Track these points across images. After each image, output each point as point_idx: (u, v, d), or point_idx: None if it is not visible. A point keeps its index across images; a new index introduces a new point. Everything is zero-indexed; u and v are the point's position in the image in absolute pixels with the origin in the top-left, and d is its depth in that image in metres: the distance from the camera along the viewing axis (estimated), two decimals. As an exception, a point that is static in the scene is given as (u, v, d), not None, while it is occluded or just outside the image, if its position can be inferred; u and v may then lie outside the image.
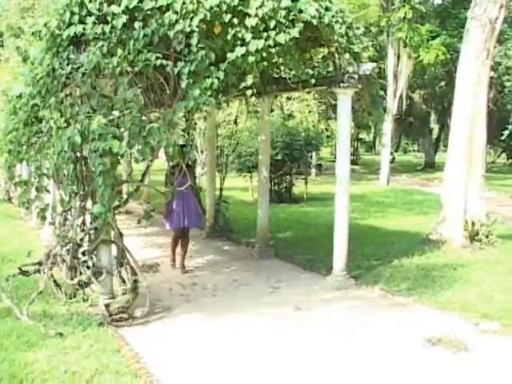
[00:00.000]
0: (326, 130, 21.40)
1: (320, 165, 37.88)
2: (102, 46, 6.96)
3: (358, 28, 9.03)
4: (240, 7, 7.22)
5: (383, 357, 6.54)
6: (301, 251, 11.94)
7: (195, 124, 13.28)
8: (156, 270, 10.47)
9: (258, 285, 9.62)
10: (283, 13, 7.44)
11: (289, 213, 18.26)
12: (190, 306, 8.41)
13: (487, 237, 12.14)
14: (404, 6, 30.67)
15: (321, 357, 6.52)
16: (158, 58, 6.92)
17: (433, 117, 52.83)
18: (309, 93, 20.72)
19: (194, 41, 7.04)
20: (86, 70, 7.03)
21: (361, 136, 60.18)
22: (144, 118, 7.10)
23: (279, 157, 19.86)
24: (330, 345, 6.88)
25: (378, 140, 56.88)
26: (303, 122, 24.71)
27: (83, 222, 7.88)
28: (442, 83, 44.04)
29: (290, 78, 10.38)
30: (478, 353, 6.66)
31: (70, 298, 7.95)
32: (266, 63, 7.40)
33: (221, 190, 14.26)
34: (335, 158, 9.60)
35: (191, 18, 7.03)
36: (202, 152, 24.69)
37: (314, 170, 33.66)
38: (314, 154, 28.30)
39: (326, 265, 10.24)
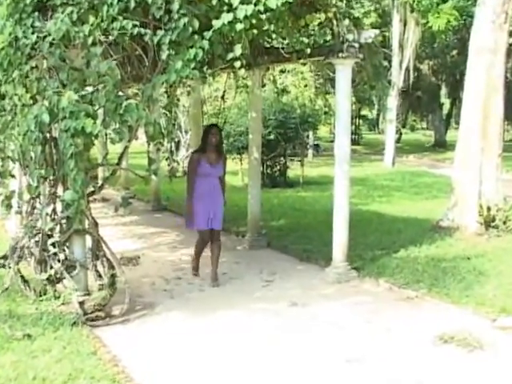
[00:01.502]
0: (325, 106, 21.24)
1: (317, 145, 38.13)
2: (72, 12, 6.87)
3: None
4: (226, -33, 7.09)
5: (389, 356, 6.56)
6: (296, 241, 11.98)
7: (178, 100, 13.23)
8: (136, 263, 10.50)
9: (249, 278, 9.66)
10: (274, -27, 7.29)
11: (283, 198, 18.32)
12: (174, 303, 8.43)
13: (505, 223, 12.13)
14: (411, -37, 30.56)
15: (320, 357, 6.52)
16: (135, 25, 6.83)
17: (443, 90, 52.83)
18: (304, 64, 20.56)
19: (175, 6, 6.94)
20: (53, 39, 6.93)
21: (363, 113, 60.05)
22: (120, 93, 7.01)
23: (272, 136, 19.94)
24: (331, 343, 6.90)
25: (381, 117, 56.79)
26: (298, 97, 24.65)
27: (53, 211, 7.84)
28: (454, 52, 43.83)
29: (283, 48, 10.33)
30: (495, 351, 6.64)
31: (40, 296, 7.89)
32: (255, 31, 7.27)
33: None
34: (334, 137, 9.61)
35: (171, -20, 6.91)
36: (186, 132, 24.80)
37: (310, 151, 33.86)
38: (310, 133, 28.33)
39: (324, 255, 10.29)
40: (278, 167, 22.01)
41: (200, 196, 9.17)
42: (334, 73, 9.69)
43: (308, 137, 28.12)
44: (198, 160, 9.21)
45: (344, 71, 9.27)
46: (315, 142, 35.95)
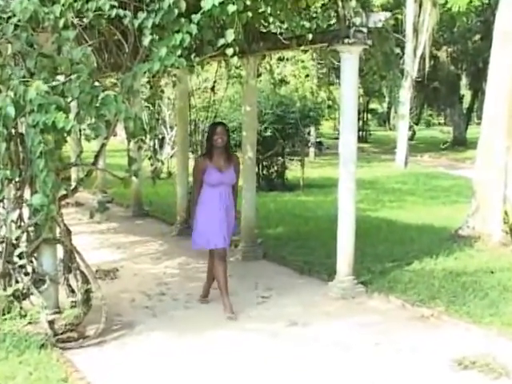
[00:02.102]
0: (328, 98, 21.10)
1: (320, 143, 37.95)
2: (41, -10, 6.77)
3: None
4: None
5: (400, 383, 6.55)
6: (296, 251, 11.97)
7: (162, 92, 13.14)
8: (114, 277, 10.51)
9: (242, 294, 9.65)
10: None
11: (281, 203, 18.34)
12: (156, 322, 8.43)
13: (533, 232, 11.98)
14: None
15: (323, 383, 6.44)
16: (113, 6, 6.74)
17: (464, 81, 52.77)
18: (305, 52, 20.38)
19: (158, -16, 6.85)
20: (19, 20, 6.82)
21: (371, 106, 59.95)
22: (96, 84, 7.00)
23: (269, 133, 19.94)
24: (335, 368, 6.88)
25: (393, 111, 56.49)
26: (299, 88, 24.51)
27: (20, 217, 7.79)
28: (477, 37, 43.39)
29: (281, 33, 10.27)
30: (524, 379, 6.58)
31: (3, 314, 7.76)
32: (250, 14, 7.22)
33: None
34: (339, 134, 9.64)
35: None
36: (171, 128, 24.86)
37: (312, 150, 33.70)
38: (312, 129, 28.30)
39: (327, 268, 10.33)
40: (276, 168, 21.95)
41: (210, 209, 8.72)
42: (338, 61, 9.70)
43: (309, 133, 27.89)
44: (204, 166, 8.77)
45: (350, 59, 9.23)
46: (317, 140, 35.62)
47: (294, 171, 22.54)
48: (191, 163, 13.30)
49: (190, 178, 12.90)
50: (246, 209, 11.85)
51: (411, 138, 40.39)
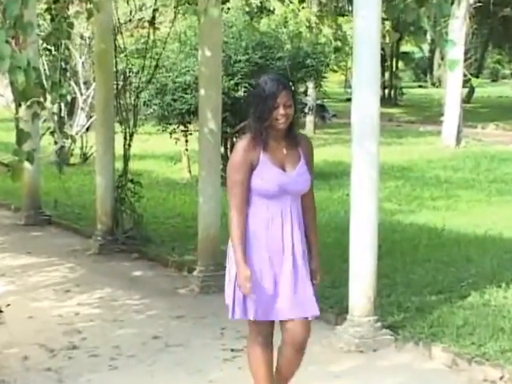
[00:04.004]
0: (335, 38, 17.83)
1: (323, 107, 34.85)
2: None
3: None
4: None
5: None
6: None
7: (71, 27, 11.40)
8: (-2, 321, 9.38)
9: (200, 345, 8.37)
10: None
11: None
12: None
13: None
14: None
15: None
16: None
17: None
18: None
19: None
20: None
21: (404, 49, 54.14)
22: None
23: (241, 92, 17.03)
24: None
25: (438, 56, 45.38)
26: (289, 21, 20.95)
27: None
28: None
29: None
30: None
31: None
32: None
33: (126, 159, 12.41)
34: (352, 93, 8.29)
35: None
36: (86, 84, 22.13)
37: (311, 119, 31.04)
38: (311, 86, 25.95)
39: (334, 304, 9.11)
40: None
41: (265, 245, 5.89)
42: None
43: (306, 93, 25.39)
44: (252, 161, 5.83)
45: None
46: (319, 103, 32.43)
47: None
48: (119, 140, 12.42)
49: (119, 164, 12.53)
50: (205, 212, 10.41)
51: (467, 100, 35.32)
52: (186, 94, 16.91)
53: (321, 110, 33.15)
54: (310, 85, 25.08)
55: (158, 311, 9.54)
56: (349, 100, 13.85)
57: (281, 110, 5.63)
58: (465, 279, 10.05)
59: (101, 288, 10.63)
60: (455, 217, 14.67)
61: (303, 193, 5.90)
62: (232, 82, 16.51)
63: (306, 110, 24.89)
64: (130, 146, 12.49)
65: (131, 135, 12.49)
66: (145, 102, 16.41)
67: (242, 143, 5.87)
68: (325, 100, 35.22)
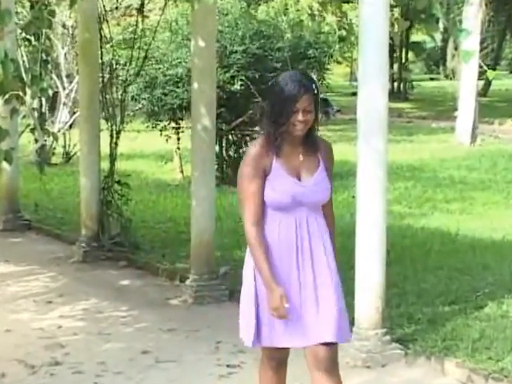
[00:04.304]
0: (339, 26, 17.28)
1: (327, 102, 34.22)
2: None
3: None
4: None
5: None
6: None
7: (52, 15, 11.07)
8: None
9: (194, 361, 8.09)
10: None
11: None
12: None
13: None
14: None
15: None
16: None
17: None
18: None
19: None
20: None
21: (415, 38, 52.87)
22: None
23: (238, 86, 16.36)
24: None
25: (451, 46, 42.51)
26: (289, 8, 21.09)
27: None
28: None
29: None
30: None
31: None
32: None
33: (112, 159, 11.99)
34: (358, 86, 8.03)
35: None
36: (68, 78, 21.76)
37: None
38: (313, 77, 24.97)
39: None
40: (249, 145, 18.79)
41: (280, 264, 5.38)
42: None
43: None
44: (265, 168, 5.34)
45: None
46: (322, 97, 31.06)
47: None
48: (105, 138, 12.00)
49: (105, 164, 12.23)
50: (198, 216, 10.02)
51: (484, 93, 34.63)
52: (178, 87, 16.35)
53: (324, 104, 32.42)
54: (313, 77, 24.47)
55: (147, 324, 9.30)
56: (354, 94, 13.37)
57: (299, 116, 5.11)
58: (481, 288, 9.77)
59: (85, 299, 10.38)
60: (470, 220, 14.38)
61: (323, 203, 5.43)
62: (227, 74, 15.90)
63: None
64: (116, 144, 12.06)
65: (118, 133, 12.08)
66: (133, 96, 15.89)
67: (253, 149, 5.38)
68: (328, 94, 34.50)
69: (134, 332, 8.96)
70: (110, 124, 12.32)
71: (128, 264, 11.73)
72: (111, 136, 12.07)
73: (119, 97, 12.94)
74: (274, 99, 5.27)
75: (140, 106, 16.97)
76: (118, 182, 12.11)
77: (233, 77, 16.15)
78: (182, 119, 17.38)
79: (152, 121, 17.80)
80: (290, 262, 5.26)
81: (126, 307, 9.79)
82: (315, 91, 5.26)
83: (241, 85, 16.19)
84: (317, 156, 5.38)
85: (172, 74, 16.60)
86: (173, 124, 17.88)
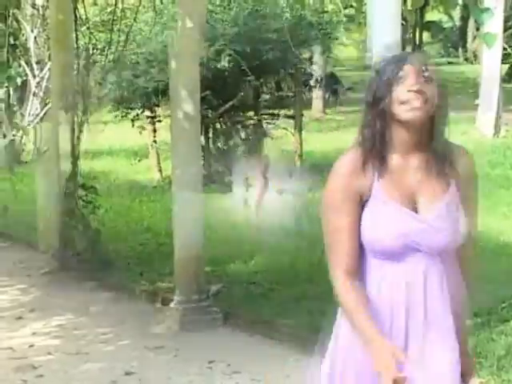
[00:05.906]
0: (346, 6, 16.27)
1: (334, 77, 30.87)
2: None
3: None
4: None
5: None
6: (289, 307, 9.44)
7: None
8: None
9: (183, 383, 7.81)
10: None
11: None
12: None
13: None
14: None
15: None
16: None
17: None
18: None
19: None
20: None
21: (431, 17, 50.01)
22: None
23: (224, 62, 14.43)
24: None
25: (472, 27, 42.08)
26: None
27: None
28: None
29: None
30: None
31: None
32: None
33: (74, 158, 10.85)
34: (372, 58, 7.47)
35: None
36: (39, 64, 19.99)
37: (319, 94, 28.17)
38: (317, 51, 23.30)
39: None
40: (244, 136, 16.72)
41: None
42: None
43: (312, 61, 23.08)
44: (361, 190, 3.74)
45: None
46: (329, 72, 29.21)
47: (282, 142, 17.60)
48: (70, 131, 10.98)
49: (69, 163, 11.26)
50: (182, 223, 9.15)
51: (508, 79, 32.26)
52: (152, 67, 14.62)
53: (332, 81, 29.32)
54: (317, 50, 22.38)
55: (130, 341, 8.83)
56: (368, 68, 11.85)
57: (408, 84, 3.49)
58: (507, 299, 9.23)
59: (60, 314, 9.87)
60: (494, 222, 13.16)
61: (454, 248, 3.74)
62: (212, 48, 13.87)
63: (313, 83, 22.21)
64: (79, 139, 10.99)
65: (80, 125, 11.03)
66: (110, 87, 14.41)
67: (343, 161, 3.87)
68: (336, 68, 32.20)
69: (116, 351, 8.54)
70: (69, 115, 11.13)
71: (99, 280, 10.90)
72: (72, 130, 10.97)
73: (80, 82, 11.93)
74: (371, 84, 3.73)
75: (105, 91, 14.98)
76: (83, 186, 11.18)
77: (219, 51, 14.15)
78: (158, 106, 15.93)
79: (121, 109, 16.14)
80: (389, 336, 3.68)
81: (107, 323, 9.35)
82: (429, 65, 3.72)
83: (229, 61, 14.21)
84: (445, 172, 3.78)
85: (144, 50, 14.95)
86: (147, 112, 16.43)
